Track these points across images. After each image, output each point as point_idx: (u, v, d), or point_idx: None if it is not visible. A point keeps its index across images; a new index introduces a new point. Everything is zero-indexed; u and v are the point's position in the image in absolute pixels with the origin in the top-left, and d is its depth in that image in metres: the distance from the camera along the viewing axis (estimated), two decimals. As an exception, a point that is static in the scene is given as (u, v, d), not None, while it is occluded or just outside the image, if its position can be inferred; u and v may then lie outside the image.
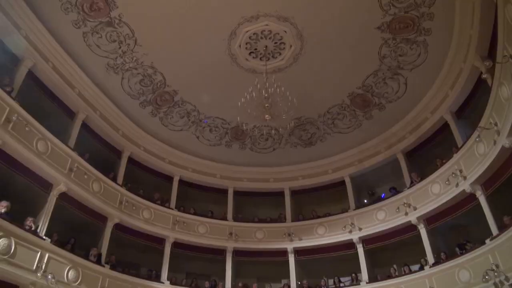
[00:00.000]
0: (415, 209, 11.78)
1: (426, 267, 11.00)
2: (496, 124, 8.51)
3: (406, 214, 11.98)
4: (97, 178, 11.31)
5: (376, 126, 13.33)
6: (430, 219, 11.56)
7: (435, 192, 11.27)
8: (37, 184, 9.51)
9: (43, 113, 10.07)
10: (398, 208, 12.22)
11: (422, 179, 11.99)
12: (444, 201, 10.88)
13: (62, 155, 10.08)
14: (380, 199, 13.70)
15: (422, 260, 11.40)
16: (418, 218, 11.63)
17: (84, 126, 11.71)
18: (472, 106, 10.81)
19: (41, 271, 8.55)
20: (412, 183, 12.31)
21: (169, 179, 14.51)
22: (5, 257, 7.84)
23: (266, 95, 9.57)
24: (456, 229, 11.39)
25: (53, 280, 8.74)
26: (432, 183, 11.45)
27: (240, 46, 10.65)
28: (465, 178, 10.14)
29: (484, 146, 9.31)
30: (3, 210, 8.16)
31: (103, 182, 11.51)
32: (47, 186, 9.73)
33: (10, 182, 9.17)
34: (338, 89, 12.18)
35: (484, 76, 8.90)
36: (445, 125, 11.77)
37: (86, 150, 11.38)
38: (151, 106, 12.62)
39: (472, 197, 10.12)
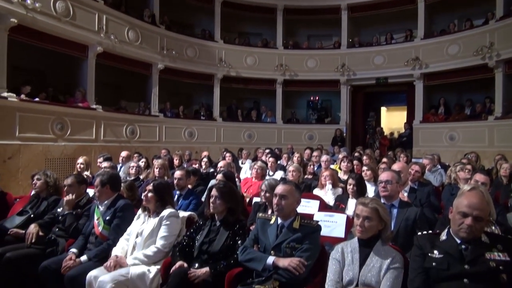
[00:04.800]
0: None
1: (492, 21, 10.26)
2: None
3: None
4: None
5: None
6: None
7: None
8: None
9: None
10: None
11: None
12: None
13: None
14: None
15: (489, 14, 10.53)
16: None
17: None
18: None
19: (104, 32, 9.14)
20: None
21: None
22: (67, 19, 8.29)
23: None
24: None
25: (116, 40, 9.43)
26: None
27: None
28: None
29: None
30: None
31: None
32: None
33: None
34: None
35: None
36: None
37: None
38: None
39: None
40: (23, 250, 3.38)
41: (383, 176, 3.31)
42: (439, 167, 6.78)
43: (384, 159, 6.72)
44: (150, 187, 3.23)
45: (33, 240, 3.47)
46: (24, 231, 3.60)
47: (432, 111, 11.97)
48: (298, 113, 14.38)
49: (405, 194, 4.11)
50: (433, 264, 2.11)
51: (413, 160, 7.42)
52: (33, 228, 3.55)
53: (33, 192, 4.36)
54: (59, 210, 3.74)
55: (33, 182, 4.17)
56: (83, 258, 3.15)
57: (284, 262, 2.50)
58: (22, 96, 7.55)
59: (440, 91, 12.16)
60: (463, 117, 11.19)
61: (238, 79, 13.15)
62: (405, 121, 12.92)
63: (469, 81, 11.21)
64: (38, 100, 7.96)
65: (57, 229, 3.62)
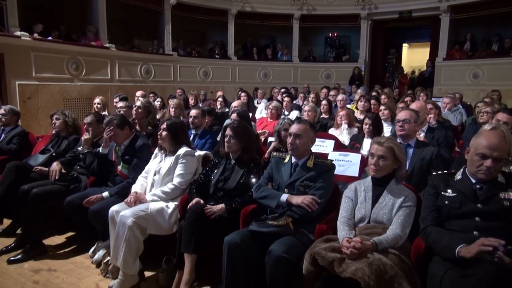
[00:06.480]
0: None
1: None
2: None
3: None
4: None
5: None
6: None
7: None
8: None
9: None
10: None
11: None
12: None
13: None
14: None
15: None
16: None
17: None
18: None
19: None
20: None
21: None
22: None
23: None
24: None
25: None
26: None
27: None
28: None
29: None
30: None
31: None
32: None
33: None
34: None
35: None
36: None
37: None
38: None
39: None
40: (48, 186, 3.53)
41: (401, 115, 3.24)
42: (460, 106, 6.58)
43: (407, 98, 6.54)
44: (164, 125, 3.26)
45: (56, 177, 3.61)
46: (47, 169, 3.74)
47: (456, 47, 11.37)
48: (315, 50, 13.90)
49: (422, 135, 4.04)
50: (446, 202, 2.10)
51: (432, 99, 7.20)
52: (55, 165, 3.68)
53: (53, 132, 4.47)
54: (79, 148, 3.85)
55: (52, 122, 4.26)
56: (105, 194, 3.28)
57: (297, 199, 2.54)
58: (35, 35, 7.47)
59: (467, 26, 11.44)
60: (490, 54, 10.62)
61: (253, 15, 12.62)
62: (427, 58, 12.36)
63: (500, 14, 10.45)
64: (52, 39, 7.87)
65: (78, 167, 3.75)
